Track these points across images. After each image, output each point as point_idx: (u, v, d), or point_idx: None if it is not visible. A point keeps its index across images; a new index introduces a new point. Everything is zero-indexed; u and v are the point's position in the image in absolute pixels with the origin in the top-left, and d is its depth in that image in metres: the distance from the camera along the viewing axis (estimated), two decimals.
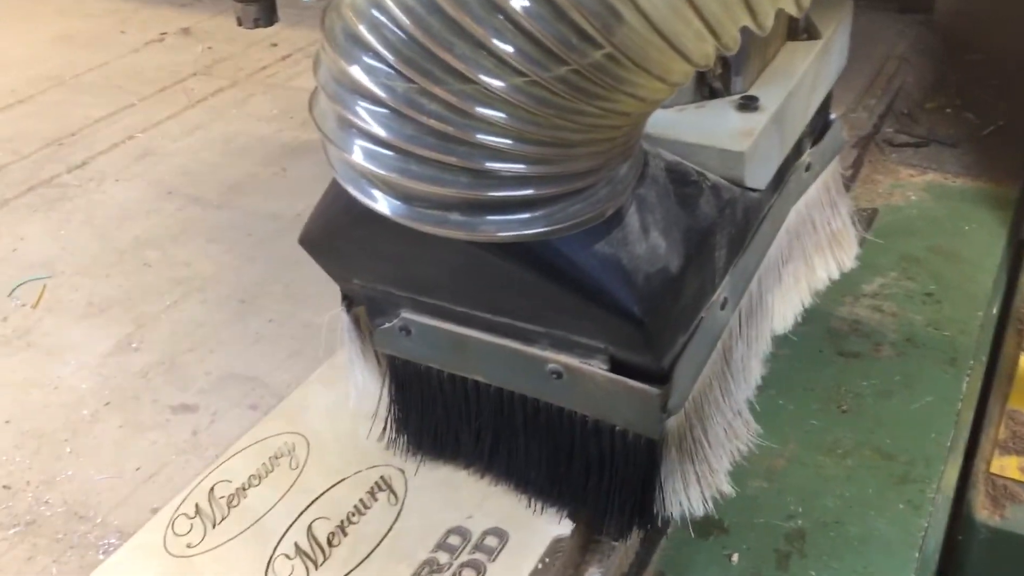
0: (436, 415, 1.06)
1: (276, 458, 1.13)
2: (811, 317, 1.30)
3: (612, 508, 0.97)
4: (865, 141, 1.73)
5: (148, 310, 1.61)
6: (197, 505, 1.08)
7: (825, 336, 1.28)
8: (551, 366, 0.93)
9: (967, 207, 1.55)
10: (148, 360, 1.48)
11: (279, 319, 1.56)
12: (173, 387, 1.41)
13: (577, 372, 0.92)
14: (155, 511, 1.11)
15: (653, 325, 0.84)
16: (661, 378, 0.90)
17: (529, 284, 0.85)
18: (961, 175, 1.65)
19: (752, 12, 0.72)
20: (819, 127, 1.23)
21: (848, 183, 1.57)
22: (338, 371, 1.22)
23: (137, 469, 1.25)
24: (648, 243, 0.86)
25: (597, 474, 0.97)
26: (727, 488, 1.01)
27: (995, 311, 1.36)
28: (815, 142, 1.22)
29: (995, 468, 1.15)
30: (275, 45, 2.64)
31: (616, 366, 0.90)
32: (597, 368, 0.91)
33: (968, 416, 1.21)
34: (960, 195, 1.59)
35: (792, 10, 0.74)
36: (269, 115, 2.33)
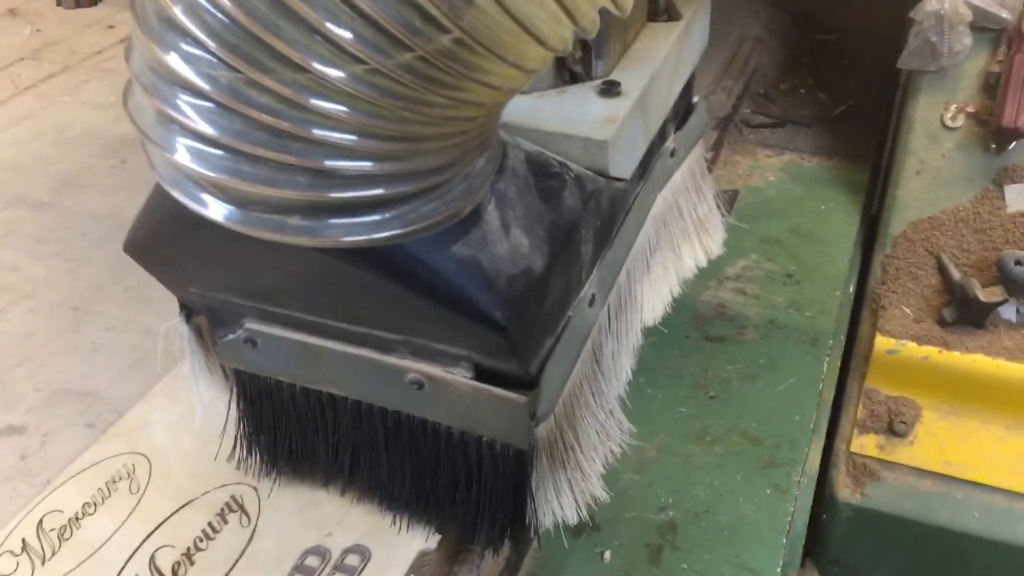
0: (290, 431, 0.98)
1: (114, 482, 1.04)
2: (677, 302, 1.29)
3: (482, 521, 0.92)
4: (724, 123, 1.74)
5: None
6: (24, 540, 0.99)
7: (691, 321, 1.27)
8: (411, 376, 0.87)
9: (822, 186, 1.57)
10: None
11: (118, 326, 1.45)
12: None
13: (439, 381, 0.86)
14: None
15: (517, 330, 0.79)
16: (528, 384, 0.85)
17: (382, 291, 0.78)
18: (816, 155, 1.67)
19: None
20: (682, 111, 1.20)
21: (710, 165, 1.57)
22: (183, 382, 1.12)
23: None
24: (509, 242, 0.80)
25: (465, 487, 0.91)
26: (600, 493, 0.97)
27: (852, 290, 1.38)
28: (679, 126, 1.18)
29: (855, 447, 1.17)
30: (112, 27, 2.47)
31: (481, 373, 0.85)
32: (460, 377, 0.85)
33: (829, 396, 1.23)
34: (816, 175, 1.61)
35: None
36: (106, 103, 2.17)
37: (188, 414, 1.09)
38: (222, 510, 1.00)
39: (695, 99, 1.23)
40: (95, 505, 1.02)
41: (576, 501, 0.95)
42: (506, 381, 0.85)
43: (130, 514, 1.00)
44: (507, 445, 0.87)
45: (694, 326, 1.26)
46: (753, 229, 1.44)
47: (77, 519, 1.00)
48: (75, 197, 1.82)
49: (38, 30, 2.51)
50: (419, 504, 0.95)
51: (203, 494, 1.02)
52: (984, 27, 1.38)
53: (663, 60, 1.04)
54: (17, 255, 1.64)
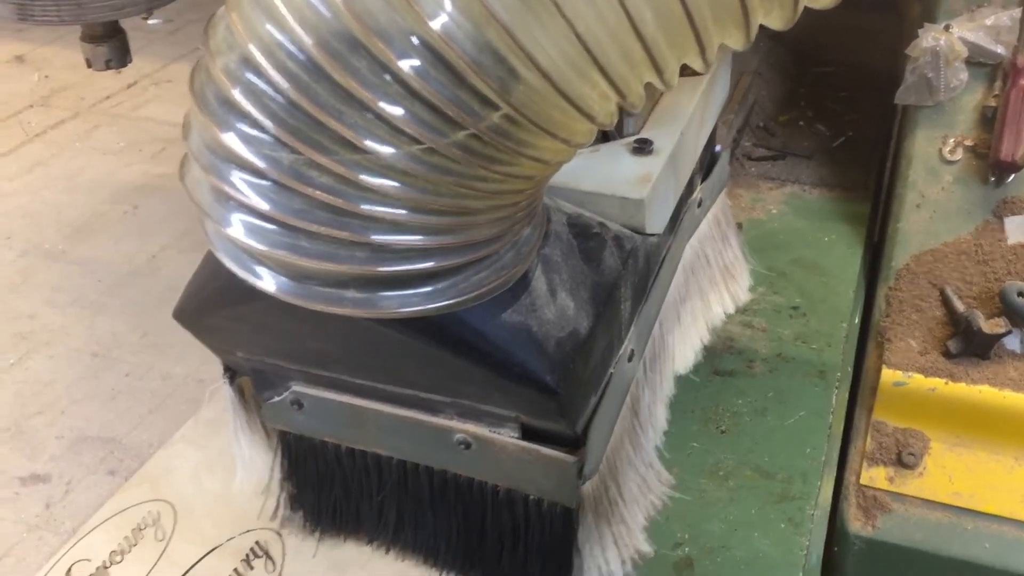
0: (334, 490, 0.99)
1: (140, 529, 1.04)
2: None
3: None
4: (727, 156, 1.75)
5: None
6: None
7: (701, 355, 1.27)
8: (458, 436, 0.88)
9: (825, 218, 1.58)
10: None
11: (137, 372, 1.46)
12: (21, 456, 1.31)
13: (487, 442, 0.87)
14: None
15: (566, 392, 0.80)
16: (574, 442, 0.86)
17: (434, 357, 0.80)
18: (817, 186, 1.67)
19: (659, 70, 0.69)
20: (707, 161, 1.22)
21: None
22: (206, 428, 1.13)
23: None
24: (556, 306, 0.82)
25: (511, 545, 0.92)
26: (645, 546, 0.98)
27: (857, 321, 1.39)
28: (704, 177, 1.20)
29: (865, 480, 1.17)
30: (119, 72, 2.50)
31: (527, 433, 0.86)
32: (508, 437, 0.86)
33: (839, 428, 1.23)
34: (818, 206, 1.62)
35: (698, 66, 0.71)
36: (116, 148, 2.19)
37: (210, 460, 1.10)
38: (247, 556, 1.01)
39: (717, 148, 1.25)
40: (122, 553, 1.02)
41: (620, 555, 0.95)
42: (552, 440, 0.86)
43: (157, 561, 1.01)
44: (554, 503, 0.88)
45: (704, 360, 1.27)
46: (757, 261, 1.45)
47: (105, 567, 1.01)
48: (88, 244, 1.84)
49: (46, 76, 2.53)
50: (465, 562, 0.96)
51: (228, 540, 1.03)
52: (980, 62, 1.40)
53: (691, 115, 1.06)
54: (34, 303, 1.66)
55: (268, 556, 1.00)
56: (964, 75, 1.38)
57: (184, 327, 0.91)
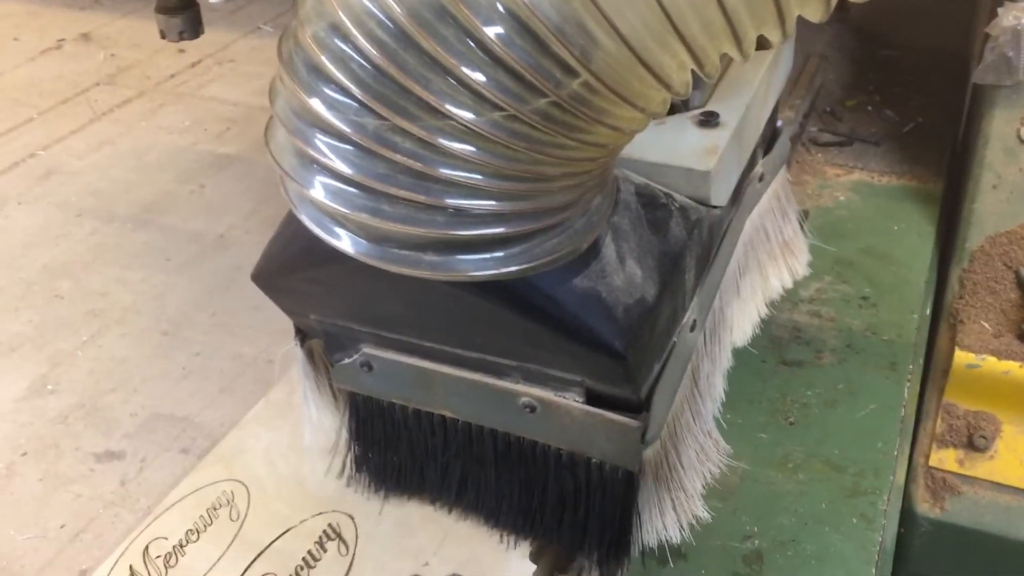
0: (400, 451, 1.02)
1: (215, 509, 1.05)
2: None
3: (588, 540, 0.95)
4: (792, 141, 1.72)
5: (63, 347, 1.51)
6: (131, 567, 0.99)
7: (767, 345, 1.26)
8: (524, 400, 0.90)
9: (894, 206, 1.55)
10: (66, 403, 1.38)
11: (206, 352, 1.48)
12: (96, 432, 1.33)
13: (551, 405, 0.89)
14: (84, 574, 1.04)
15: (634, 358, 0.82)
16: (637, 407, 0.88)
17: (505, 321, 0.82)
18: (886, 173, 1.64)
19: (738, 40, 0.70)
20: (769, 136, 1.22)
21: None
22: (276, 409, 1.14)
23: (62, 527, 1.16)
24: (625, 273, 0.83)
25: (572, 507, 0.95)
26: (702, 512, 1.00)
27: (928, 312, 1.36)
28: (766, 151, 1.21)
29: (934, 462, 1.17)
30: (182, 51, 2.52)
31: (592, 398, 0.88)
32: (572, 401, 0.88)
33: (911, 419, 1.22)
34: (887, 194, 1.58)
35: (776, 38, 0.72)
36: (181, 127, 2.22)
37: (281, 442, 1.12)
38: (321, 538, 1.01)
39: (779, 123, 1.26)
40: (198, 532, 1.03)
41: (678, 520, 0.97)
42: (616, 405, 0.88)
43: (232, 541, 1.01)
44: (616, 467, 0.90)
45: (770, 350, 1.26)
46: (825, 250, 1.43)
47: (182, 546, 1.01)
48: (157, 222, 1.87)
49: (112, 55, 2.56)
50: (525, 522, 0.98)
51: (301, 522, 1.03)
52: None
53: (756, 89, 1.07)
54: (106, 280, 1.68)
55: (341, 538, 1.01)
56: None
57: (261, 289, 0.93)
